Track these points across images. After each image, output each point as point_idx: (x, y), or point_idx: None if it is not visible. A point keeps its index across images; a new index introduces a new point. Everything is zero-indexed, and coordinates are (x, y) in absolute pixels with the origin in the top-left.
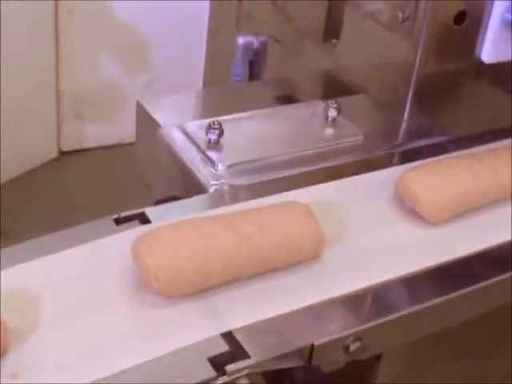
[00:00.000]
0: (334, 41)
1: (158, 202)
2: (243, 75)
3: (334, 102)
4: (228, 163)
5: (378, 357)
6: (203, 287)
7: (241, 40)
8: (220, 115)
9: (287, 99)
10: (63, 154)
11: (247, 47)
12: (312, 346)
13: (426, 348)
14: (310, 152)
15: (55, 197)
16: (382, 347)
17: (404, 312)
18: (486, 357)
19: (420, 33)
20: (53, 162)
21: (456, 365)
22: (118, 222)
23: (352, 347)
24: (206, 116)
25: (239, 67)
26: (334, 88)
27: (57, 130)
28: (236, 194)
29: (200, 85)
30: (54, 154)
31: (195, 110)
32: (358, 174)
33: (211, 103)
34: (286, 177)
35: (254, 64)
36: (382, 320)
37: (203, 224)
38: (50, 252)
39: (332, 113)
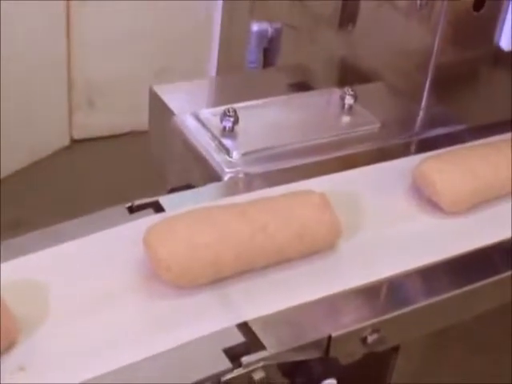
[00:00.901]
0: (350, 27)
1: (172, 191)
2: (258, 62)
3: (350, 90)
4: (243, 151)
5: (395, 349)
6: (216, 277)
7: (255, 27)
8: (234, 102)
9: (302, 86)
10: (75, 142)
11: (262, 34)
12: (329, 337)
13: (443, 340)
14: (325, 140)
15: (67, 185)
16: (400, 339)
17: (422, 304)
18: (504, 351)
19: (438, 20)
20: (64, 150)
21: (473, 358)
22: (131, 210)
23: (370, 339)
24: (219, 103)
25: (253, 54)
26: (349, 75)
27: (68, 119)
28: (251, 183)
29: (213, 72)
30: (66, 142)
31: (209, 97)
32: (374, 162)
33: (225, 90)
34: (302, 165)
35: (269, 51)
36: (399, 312)
37: (217, 213)
38: (61, 242)
39: (348, 100)
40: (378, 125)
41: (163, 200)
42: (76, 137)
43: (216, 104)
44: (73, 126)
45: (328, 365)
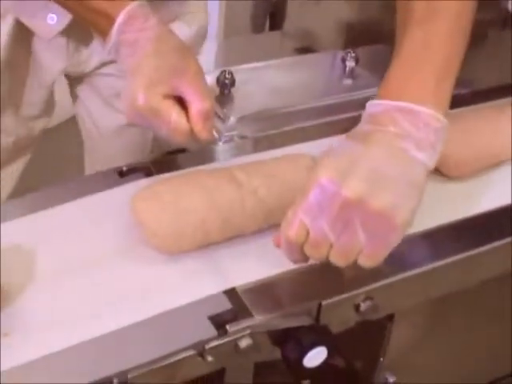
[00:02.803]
0: None
1: (167, 154)
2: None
3: (352, 52)
4: (239, 115)
5: (390, 317)
6: (204, 243)
7: None
8: (236, 65)
9: (307, 50)
10: (69, 120)
11: None
12: (319, 304)
13: (440, 309)
14: (325, 103)
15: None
16: (395, 307)
17: (418, 270)
18: (503, 319)
19: None
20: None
21: (472, 326)
22: (121, 174)
23: (363, 306)
24: (222, 66)
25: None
26: (354, 38)
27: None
28: (245, 146)
29: (215, 36)
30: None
31: (211, 60)
32: None
33: (228, 53)
34: (300, 128)
35: (275, 15)
36: (394, 278)
37: (205, 177)
38: (50, 206)
39: (350, 63)
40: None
41: (154, 164)
42: None
43: (218, 67)
44: None
45: (318, 333)
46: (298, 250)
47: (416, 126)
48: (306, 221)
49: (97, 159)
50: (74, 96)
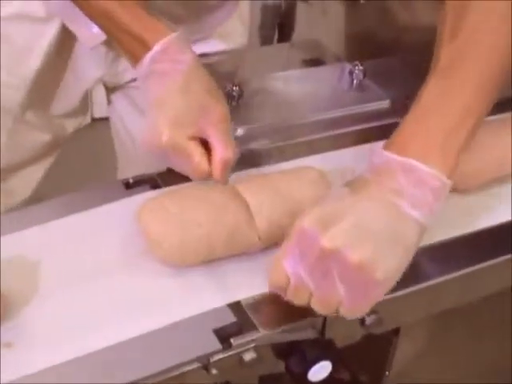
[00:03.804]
0: (362, 1)
1: None
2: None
3: (360, 65)
4: (247, 127)
5: (395, 331)
6: (209, 257)
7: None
8: (245, 77)
9: (315, 62)
10: (95, 120)
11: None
12: (324, 318)
13: (446, 323)
14: (332, 116)
15: (87, 164)
16: (400, 321)
17: (423, 284)
18: (506, 334)
19: None
20: (84, 128)
21: (476, 341)
22: (127, 186)
23: (368, 320)
24: (231, 78)
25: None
26: (362, 50)
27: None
28: (253, 159)
29: None
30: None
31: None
32: (382, 139)
33: (237, 65)
34: (308, 141)
35: (283, 27)
36: (399, 293)
37: (212, 192)
38: (56, 217)
39: (357, 76)
40: (387, 101)
41: (160, 176)
42: (96, 115)
43: (226, 78)
44: (93, 104)
45: (322, 347)
46: (283, 294)
47: (413, 183)
48: (287, 267)
49: (129, 166)
50: (110, 101)
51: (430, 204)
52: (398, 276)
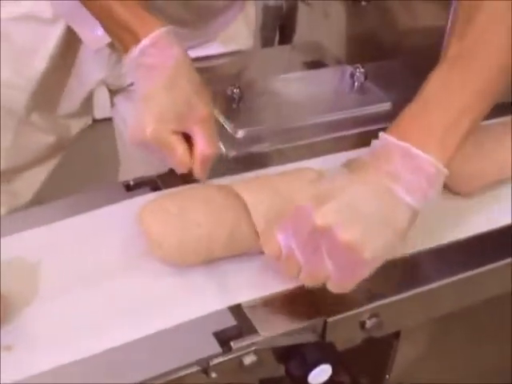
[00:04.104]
0: (364, 3)
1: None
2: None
3: (360, 67)
4: (247, 129)
5: (396, 335)
6: (209, 258)
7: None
8: (246, 79)
9: (316, 64)
10: (96, 122)
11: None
12: (325, 322)
13: (447, 327)
14: (333, 119)
15: (88, 165)
16: (400, 325)
17: (424, 288)
18: (507, 338)
19: None
20: (86, 129)
21: (477, 345)
22: (128, 188)
23: (368, 324)
24: (231, 80)
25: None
26: (363, 53)
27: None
28: (254, 161)
29: None
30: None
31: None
32: None
33: (238, 67)
34: (308, 143)
35: (284, 29)
36: (400, 296)
37: (212, 193)
38: (57, 219)
39: (359, 78)
40: (388, 103)
41: (161, 178)
42: (97, 116)
43: (227, 81)
44: (94, 105)
45: (323, 350)
46: (276, 264)
47: (410, 168)
48: (280, 239)
49: (131, 167)
50: (113, 103)
51: (424, 190)
52: (385, 257)
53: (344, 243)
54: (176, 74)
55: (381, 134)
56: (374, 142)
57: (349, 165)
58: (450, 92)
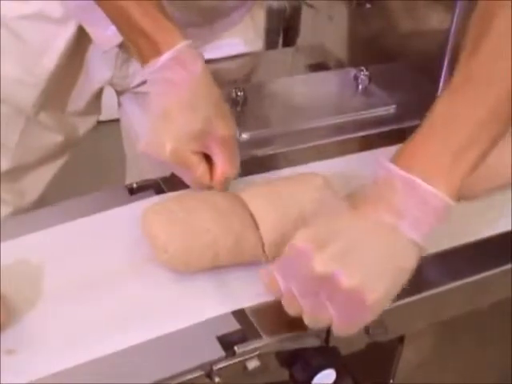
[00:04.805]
0: (368, 5)
1: None
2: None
3: (365, 70)
4: (252, 132)
5: (400, 339)
6: (213, 264)
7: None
8: (250, 82)
9: (320, 66)
10: (102, 123)
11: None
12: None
13: (451, 331)
14: (337, 122)
15: (94, 166)
16: (405, 329)
17: (428, 292)
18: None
19: None
20: (92, 130)
21: (481, 350)
22: (131, 191)
23: (373, 328)
24: (235, 83)
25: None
26: (367, 55)
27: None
28: (258, 165)
29: None
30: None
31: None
32: (387, 145)
33: (242, 69)
34: (312, 147)
35: (288, 31)
36: (404, 300)
37: (217, 198)
38: (59, 222)
39: (363, 81)
40: (393, 106)
41: (164, 181)
42: (102, 118)
43: (230, 83)
44: None
45: (326, 355)
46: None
47: (415, 202)
48: (279, 279)
49: (138, 167)
50: (119, 104)
51: (431, 225)
52: (389, 300)
53: (345, 289)
54: (197, 91)
55: (385, 162)
56: (378, 173)
57: (351, 197)
58: (458, 119)
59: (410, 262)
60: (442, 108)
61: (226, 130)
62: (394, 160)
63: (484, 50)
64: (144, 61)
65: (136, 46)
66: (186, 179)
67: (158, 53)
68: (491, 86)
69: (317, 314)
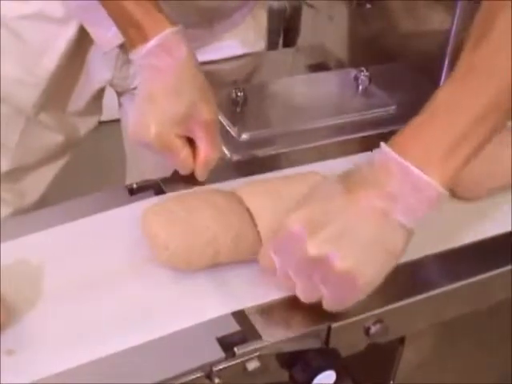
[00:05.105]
0: (368, 6)
1: (177, 172)
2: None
3: (365, 70)
4: (251, 133)
5: (401, 340)
6: (214, 262)
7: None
8: (250, 82)
9: (320, 66)
10: (103, 123)
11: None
12: (329, 327)
13: (451, 332)
14: (338, 122)
15: (95, 167)
16: (405, 330)
17: (429, 293)
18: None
19: None
20: (92, 131)
21: (481, 352)
22: (131, 191)
23: (373, 329)
24: (235, 83)
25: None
26: (368, 55)
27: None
28: (258, 165)
29: None
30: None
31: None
32: None
33: (242, 70)
34: (312, 147)
35: (288, 32)
36: (404, 301)
37: (218, 198)
38: (59, 223)
39: (363, 81)
40: (393, 106)
41: (164, 181)
42: (103, 118)
43: (230, 84)
44: None
45: (326, 356)
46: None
47: (409, 189)
48: (274, 258)
49: (138, 168)
50: (120, 104)
51: (422, 211)
52: (379, 281)
53: (339, 272)
54: (181, 76)
55: (382, 145)
56: (374, 154)
57: (344, 178)
58: (457, 107)
59: (399, 246)
60: (443, 96)
61: (210, 115)
62: (392, 144)
63: (486, 45)
64: (131, 45)
65: (126, 33)
66: (170, 162)
67: (145, 39)
68: (493, 77)
69: (309, 292)
